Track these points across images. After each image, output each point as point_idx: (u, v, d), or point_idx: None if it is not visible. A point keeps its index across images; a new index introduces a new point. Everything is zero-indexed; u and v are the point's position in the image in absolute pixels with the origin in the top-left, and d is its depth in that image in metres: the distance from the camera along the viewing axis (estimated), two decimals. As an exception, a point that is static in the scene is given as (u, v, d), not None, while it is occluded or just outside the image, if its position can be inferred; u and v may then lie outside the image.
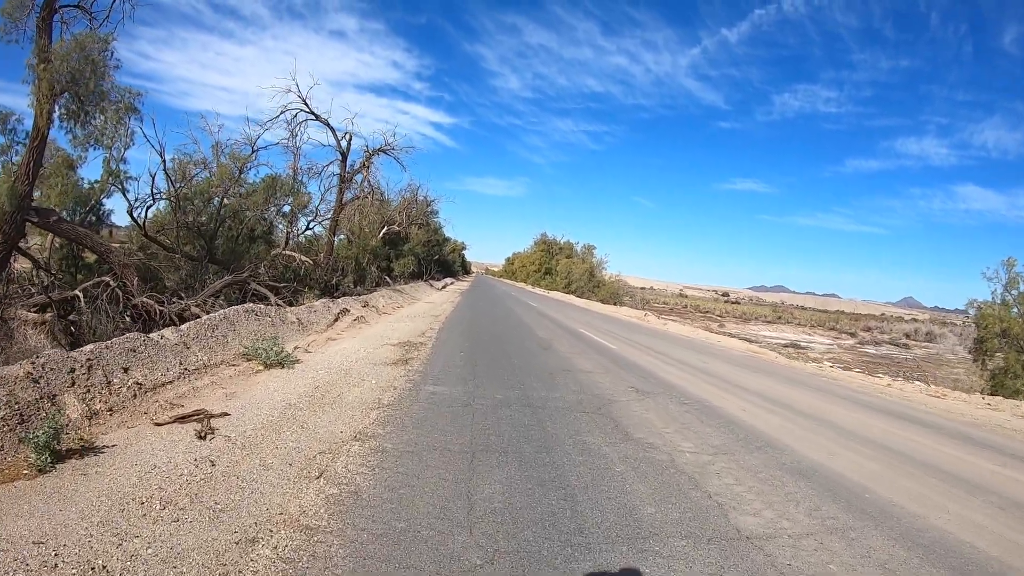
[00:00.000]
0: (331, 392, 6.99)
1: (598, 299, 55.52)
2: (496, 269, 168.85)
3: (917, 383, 17.46)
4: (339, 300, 16.71)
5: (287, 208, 26.35)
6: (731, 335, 29.92)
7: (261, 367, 8.32)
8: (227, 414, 6.03)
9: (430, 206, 50.60)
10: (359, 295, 23.74)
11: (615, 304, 51.74)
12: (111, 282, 13.83)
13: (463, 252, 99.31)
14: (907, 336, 55.26)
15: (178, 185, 19.24)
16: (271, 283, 18.82)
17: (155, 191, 17.60)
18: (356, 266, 32.78)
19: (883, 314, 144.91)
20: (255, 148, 22.10)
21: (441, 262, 66.05)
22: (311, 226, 27.51)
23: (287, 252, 23.37)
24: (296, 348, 10.12)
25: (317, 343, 11.08)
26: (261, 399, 6.59)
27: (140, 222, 18.06)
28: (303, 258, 23.27)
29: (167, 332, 8.13)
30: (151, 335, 7.81)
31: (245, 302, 17.97)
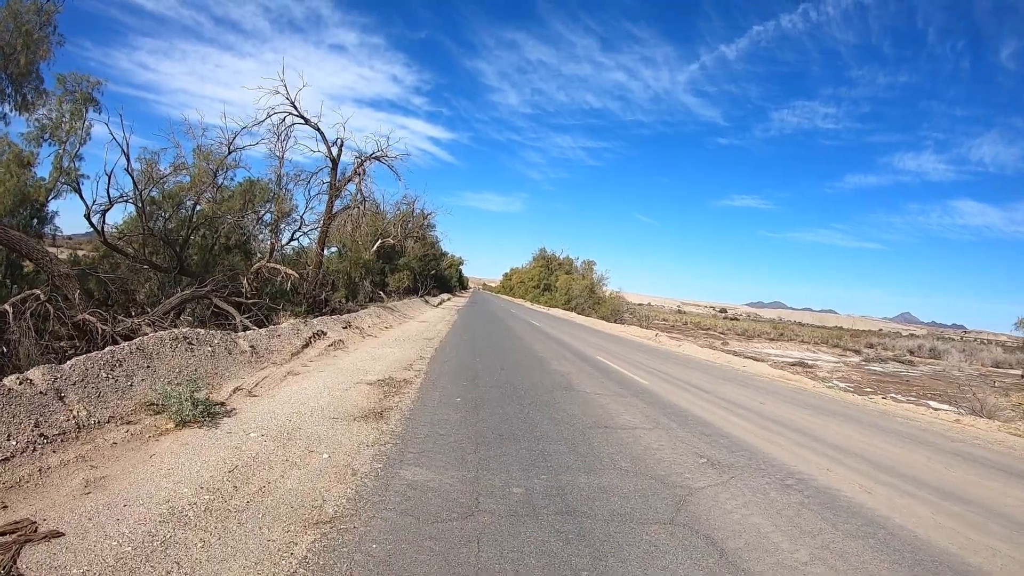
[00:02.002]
0: (253, 481, 4.42)
1: (598, 316, 53.23)
2: (494, 285, 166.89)
3: (962, 413, 15.09)
4: (314, 321, 14.16)
5: (269, 216, 24.10)
6: (749, 356, 27.48)
7: (171, 425, 5.77)
8: (60, 533, 3.53)
9: (427, 219, 48.49)
10: (349, 312, 21.31)
11: (616, 321, 49.33)
12: (41, 295, 11.47)
13: (460, 267, 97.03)
14: (910, 352, 53.73)
15: (143, 187, 16.87)
16: (239, 299, 16.39)
17: (113, 192, 15.16)
18: (347, 280, 30.38)
19: (881, 330, 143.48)
20: (231, 148, 19.68)
21: (438, 277, 63.70)
22: (296, 236, 25.15)
23: (271, 264, 21.11)
24: (237, 390, 7.56)
25: (270, 381, 8.51)
26: (136, 495, 4.05)
27: (99, 227, 15.60)
28: (289, 271, 20.98)
29: (34, 373, 5.59)
30: (4, 380, 5.31)
31: (209, 320, 15.55)
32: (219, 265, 19.73)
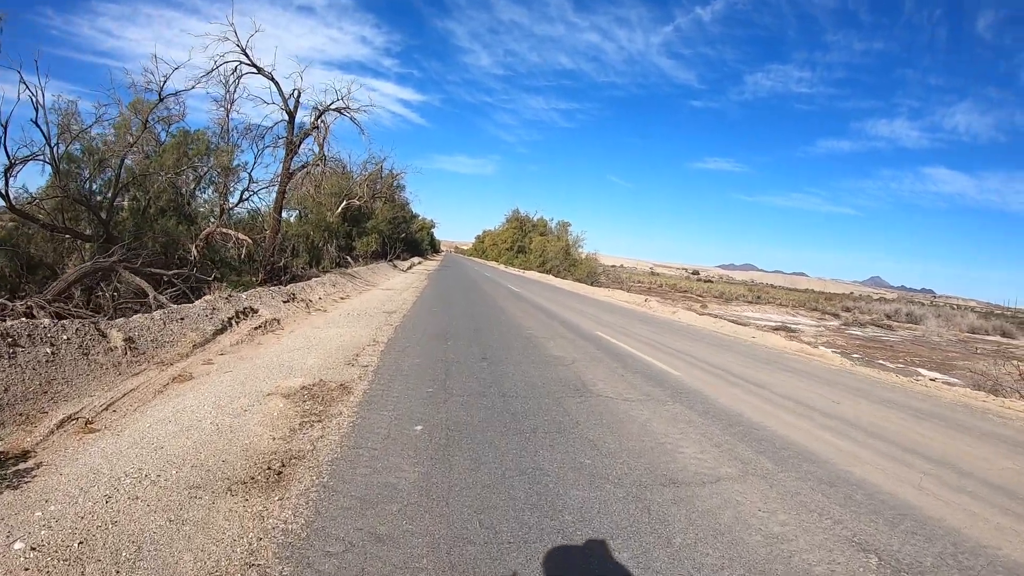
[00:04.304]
0: None
1: (575, 279, 50.78)
2: (466, 248, 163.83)
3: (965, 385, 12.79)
4: (243, 295, 11.12)
5: (213, 174, 20.89)
6: (739, 322, 25.42)
7: None
8: None
9: (396, 179, 45.26)
10: (311, 279, 18.41)
11: (593, 284, 46.90)
12: None
13: (432, 230, 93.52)
14: (888, 317, 53.19)
15: (56, 143, 13.72)
16: (157, 270, 13.31)
17: (11, 149, 12.04)
18: (309, 245, 27.37)
19: (852, 293, 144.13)
20: (162, 95, 16.46)
21: (408, 240, 60.46)
22: (246, 197, 21.89)
23: (223, 229, 18.08)
24: (67, 422, 4.65)
25: (137, 396, 5.59)
26: None
27: (2, 191, 12.62)
28: (242, 236, 17.95)
29: None
30: None
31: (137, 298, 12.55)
32: (151, 231, 16.71)
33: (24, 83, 11.78)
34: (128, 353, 6.69)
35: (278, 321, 10.40)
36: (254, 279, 18.37)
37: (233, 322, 9.30)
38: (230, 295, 10.50)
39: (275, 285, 16.64)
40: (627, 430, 5.22)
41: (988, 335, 43.79)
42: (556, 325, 13.18)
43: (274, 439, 4.43)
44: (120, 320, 7.34)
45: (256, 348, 8.20)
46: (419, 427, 4.77)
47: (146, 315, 7.82)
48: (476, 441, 4.54)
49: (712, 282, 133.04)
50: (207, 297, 9.97)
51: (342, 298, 16.44)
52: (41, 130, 12.56)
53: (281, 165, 20.67)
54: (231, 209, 21.11)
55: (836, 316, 53.00)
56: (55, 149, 13.32)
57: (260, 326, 9.60)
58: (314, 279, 17.63)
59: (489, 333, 10.81)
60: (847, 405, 7.66)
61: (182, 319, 8.26)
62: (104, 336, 6.70)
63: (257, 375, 6.44)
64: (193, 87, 17.11)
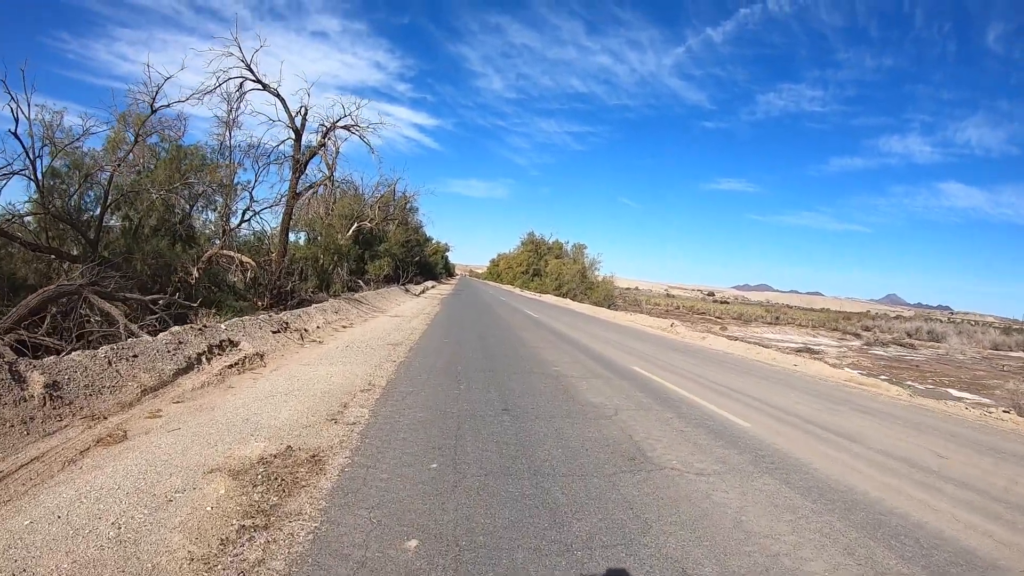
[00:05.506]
0: None
1: (591, 302, 49.29)
2: (481, 271, 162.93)
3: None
4: (222, 325, 9.59)
5: (209, 192, 19.62)
6: (763, 344, 23.75)
7: None
8: None
9: (409, 201, 44.16)
10: (314, 304, 17.06)
11: (610, 307, 45.34)
12: None
13: (446, 254, 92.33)
14: (908, 335, 51.77)
15: (37, 156, 12.63)
16: (132, 296, 11.91)
17: None
18: (318, 268, 26.11)
19: (869, 312, 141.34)
20: (154, 108, 15.31)
21: (422, 264, 59.18)
22: (247, 217, 20.61)
23: (227, 252, 16.78)
24: None
25: (42, 467, 4.08)
26: None
27: None
28: (245, 259, 16.63)
29: None
30: None
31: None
32: (142, 252, 15.47)
33: (9, 93, 10.87)
34: (48, 403, 5.18)
35: (261, 356, 8.88)
36: (260, 304, 17.08)
37: (204, 358, 7.79)
38: (204, 326, 9.00)
39: (282, 310, 15.33)
40: (719, 530, 3.57)
41: (1011, 351, 42.84)
42: (584, 358, 11.56)
43: (191, 560, 2.87)
44: (48, 359, 5.83)
45: (223, 394, 6.65)
46: (413, 542, 3.11)
47: (87, 352, 6.32)
48: (502, 573, 2.93)
49: (728, 303, 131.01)
50: (173, 328, 8.47)
51: (344, 327, 14.93)
52: (21, 142, 11.64)
53: (287, 185, 19.47)
54: (233, 230, 19.84)
55: (857, 336, 51.69)
56: (36, 163, 12.29)
57: (237, 363, 8.08)
58: (314, 306, 16.19)
59: (509, 372, 9.18)
60: (956, 459, 6.02)
61: (134, 356, 6.75)
62: (21, 381, 5.22)
63: (209, 436, 4.88)
64: (187, 100, 15.90)
